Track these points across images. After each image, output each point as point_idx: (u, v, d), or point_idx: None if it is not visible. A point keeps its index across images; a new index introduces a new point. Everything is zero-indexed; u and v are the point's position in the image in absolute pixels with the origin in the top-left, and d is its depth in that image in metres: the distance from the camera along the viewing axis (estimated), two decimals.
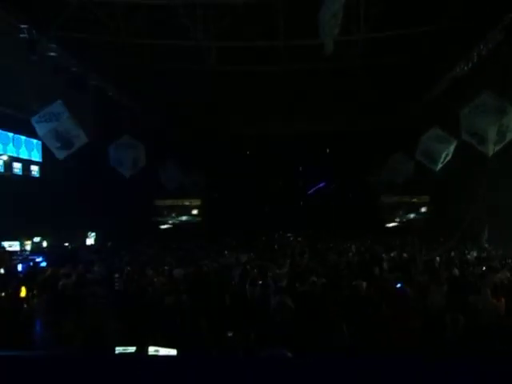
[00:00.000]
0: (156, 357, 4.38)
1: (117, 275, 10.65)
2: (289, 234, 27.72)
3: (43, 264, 13.67)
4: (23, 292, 8.69)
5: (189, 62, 16.81)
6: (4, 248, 16.68)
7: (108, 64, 16.86)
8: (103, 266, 12.12)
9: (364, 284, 7.77)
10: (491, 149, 13.15)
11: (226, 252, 16.56)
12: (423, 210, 28.68)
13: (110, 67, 17.11)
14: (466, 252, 15.69)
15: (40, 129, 14.17)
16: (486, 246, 17.78)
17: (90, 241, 22.79)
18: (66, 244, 19.72)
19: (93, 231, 22.91)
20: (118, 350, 4.96)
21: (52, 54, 14.84)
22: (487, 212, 19.58)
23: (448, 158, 17.50)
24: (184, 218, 30.33)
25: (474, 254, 15.41)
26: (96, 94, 18.45)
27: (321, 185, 30.94)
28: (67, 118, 13.99)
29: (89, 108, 19.34)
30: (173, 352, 4.81)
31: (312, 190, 31.35)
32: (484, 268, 10.86)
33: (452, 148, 17.23)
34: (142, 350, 4.94)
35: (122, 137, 17.84)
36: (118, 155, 17.55)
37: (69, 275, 9.75)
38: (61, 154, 14.52)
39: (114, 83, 18.44)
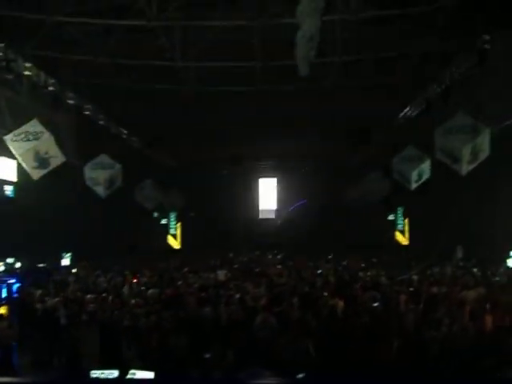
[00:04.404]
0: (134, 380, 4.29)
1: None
2: (267, 254, 27.69)
3: (16, 285, 13.42)
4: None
5: (166, 82, 16.89)
6: None
7: (85, 83, 16.84)
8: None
9: (341, 303, 7.78)
10: (465, 168, 13.36)
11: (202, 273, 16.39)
12: (399, 227, 29.01)
13: (87, 86, 17.08)
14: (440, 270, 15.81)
15: (16, 148, 13.94)
16: (461, 264, 17.94)
17: (65, 261, 22.35)
18: (41, 265, 19.25)
19: (68, 252, 22.49)
20: (96, 373, 4.83)
21: (28, 73, 14.68)
22: (459, 230, 19.89)
23: (426, 177, 17.61)
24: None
25: (449, 271, 15.58)
26: (73, 113, 18.35)
27: (301, 202, 31.16)
28: (47, 138, 13.82)
29: (66, 127, 19.15)
30: (150, 375, 4.72)
31: (292, 208, 31.57)
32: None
33: (426, 166, 17.36)
34: (125, 373, 4.82)
35: (98, 156, 17.69)
36: (93, 175, 17.37)
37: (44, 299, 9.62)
38: (36, 174, 14.32)
39: (91, 103, 18.30)
